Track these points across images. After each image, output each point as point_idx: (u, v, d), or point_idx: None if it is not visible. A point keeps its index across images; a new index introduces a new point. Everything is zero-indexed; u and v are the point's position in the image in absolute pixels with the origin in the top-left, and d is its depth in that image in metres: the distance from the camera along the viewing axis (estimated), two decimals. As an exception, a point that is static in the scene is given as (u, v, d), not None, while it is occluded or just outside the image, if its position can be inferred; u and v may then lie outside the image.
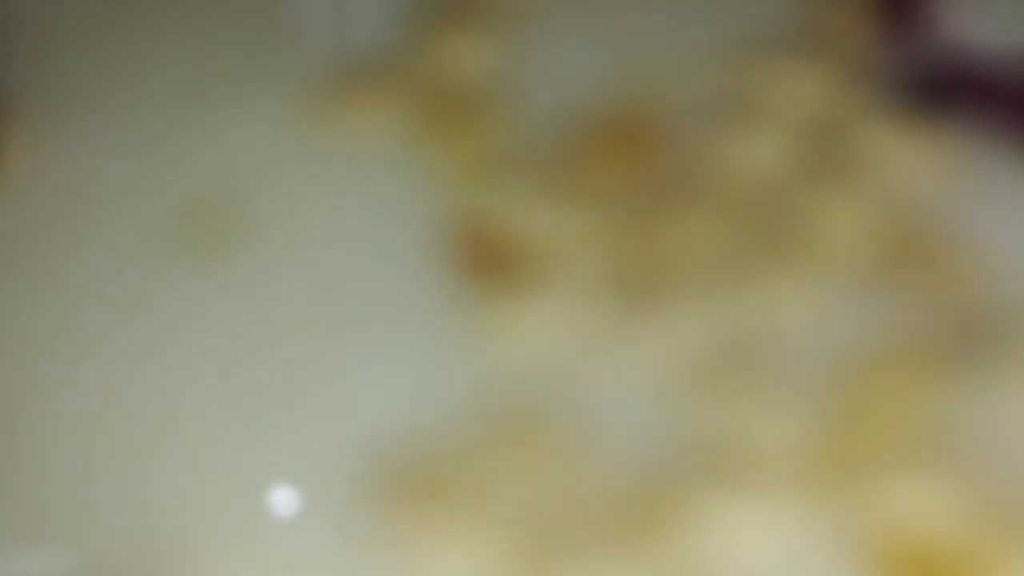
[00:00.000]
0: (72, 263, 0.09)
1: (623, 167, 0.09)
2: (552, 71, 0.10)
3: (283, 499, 0.08)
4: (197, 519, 0.08)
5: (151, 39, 0.10)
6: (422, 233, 0.09)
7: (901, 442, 0.08)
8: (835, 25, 0.10)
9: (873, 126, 0.09)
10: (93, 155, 0.10)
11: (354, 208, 0.09)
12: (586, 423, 0.08)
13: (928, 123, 0.09)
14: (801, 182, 0.09)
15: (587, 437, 0.08)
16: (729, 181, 0.09)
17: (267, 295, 0.09)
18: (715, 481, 0.07)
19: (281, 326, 0.09)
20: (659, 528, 0.07)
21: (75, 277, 0.09)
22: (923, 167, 0.09)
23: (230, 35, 0.11)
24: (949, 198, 0.09)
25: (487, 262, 0.09)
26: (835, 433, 0.08)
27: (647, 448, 0.07)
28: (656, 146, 0.09)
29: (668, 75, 0.10)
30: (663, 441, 0.08)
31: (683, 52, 0.10)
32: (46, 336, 0.09)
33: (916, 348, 0.08)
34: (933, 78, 0.10)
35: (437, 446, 0.08)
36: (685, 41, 0.10)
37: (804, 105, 0.09)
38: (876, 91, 0.10)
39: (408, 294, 0.09)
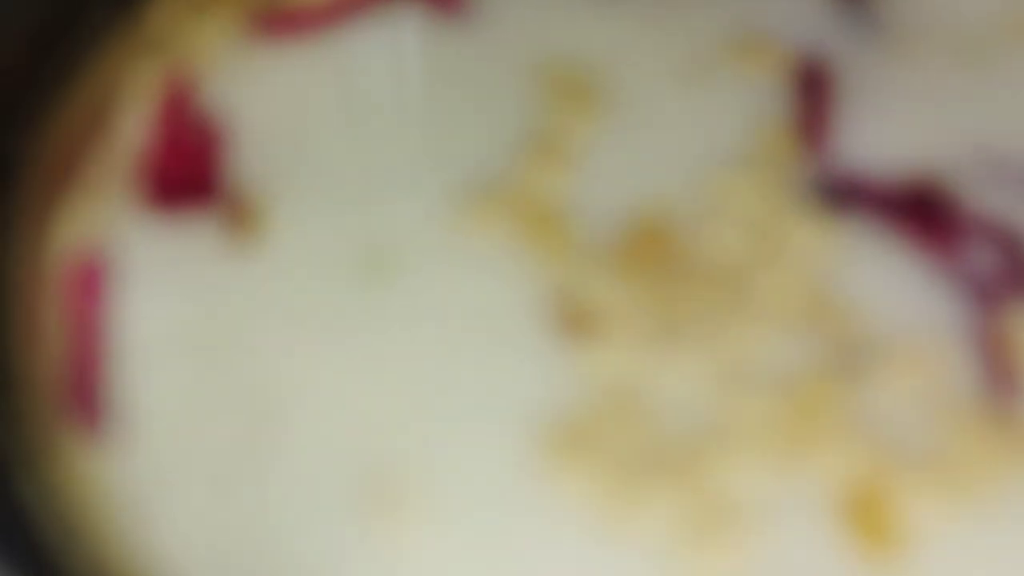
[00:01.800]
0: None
1: (651, 255, 0.15)
2: (602, 191, 0.16)
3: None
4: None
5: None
6: (530, 305, 0.15)
7: (832, 424, 0.14)
8: (771, 146, 0.16)
9: (797, 219, 0.15)
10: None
11: (484, 288, 0.15)
12: (643, 409, 0.14)
13: (834, 217, 0.15)
14: (753, 260, 0.15)
15: (648, 415, 0.14)
16: (711, 260, 0.15)
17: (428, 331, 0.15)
18: (719, 447, 0.14)
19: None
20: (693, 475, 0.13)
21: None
22: (831, 248, 0.15)
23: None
24: (842, 267, 0.15)
25: (573, 323, 0.15)
26: (790, 418, 0.14)
27: (683, 424, 0.13)
28: (667, 240, 0.15)
29: (670, 191, 0.16)
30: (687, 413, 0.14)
31: (676, 174, 0.16)
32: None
33: (827, 365, 0.14)
34: (835, 186, 0.16)
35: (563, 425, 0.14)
36: (675, 166, 0.16)
37: (751, 205, 0.16)
38: (799, 194, 0.16)
39: (522, 340, 0.15)
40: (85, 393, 0.13)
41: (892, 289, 0.15)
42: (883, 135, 0.16)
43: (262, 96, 0.16)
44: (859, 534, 0.13)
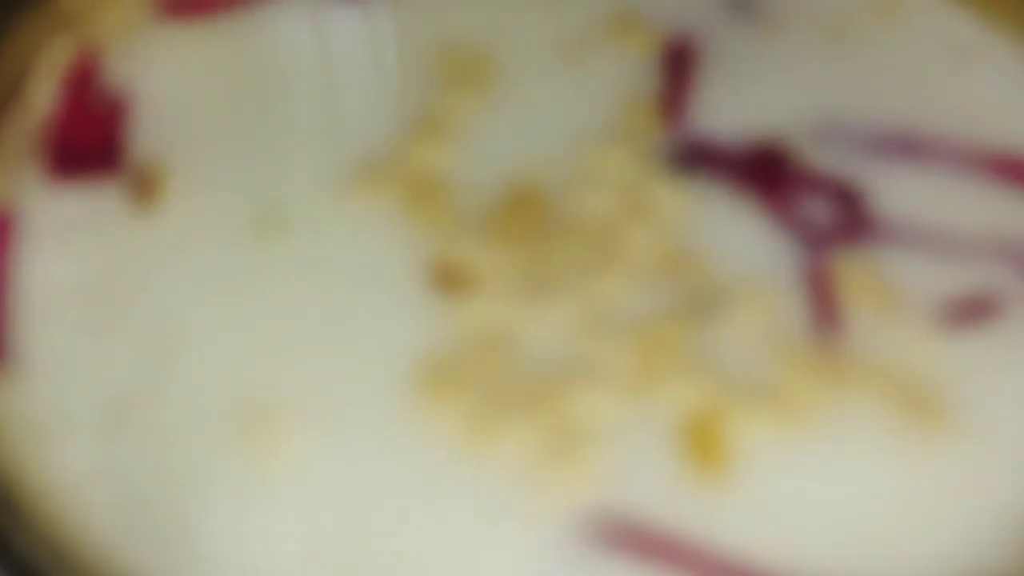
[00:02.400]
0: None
1: (524, 218, 0.17)
2: (482, 162, 0.17)
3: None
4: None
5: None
6: (408, 264, 0.16)
7: (679, 360, 0.15)
8: (637, 117, 0.18)
9: (657, 182, 0.17)
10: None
11: (367, 248, 0.16)
12: (509, 351, 0.15)
13: (689, 180, 0.17)
14: (615, 220, 0.17)
15: (513, 356, 0.15)
16: (580, 222, 0.17)
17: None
18: (577, 382, 0.15)
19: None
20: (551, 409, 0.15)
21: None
22: (685, 207, 0.17)
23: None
24: (695, 223, 0.16)
25: (448, 279, 0.16)
26: (643, 355, 0.15)
27: (545, 364, 0.15)
28: (540, 204, 0.17)
29: (544, 161, 0.17)
30: (551, 354, 0.15)
31: (551, 145, 0.17)
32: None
33: (679, 309, 0.15)
34: (690, 152, 0.17)
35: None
36: (551, 137, 0.17)
37: (616, 171, 0.17)
38: (659, 160, 0.17)
39: (399, 293, 0.16)
40: None
41: (737, 240, 0.16)
42: (737, 106, 0.18)
43: (166, 71, 0.18)
44: (696, 456, 0.14)
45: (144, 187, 0.16)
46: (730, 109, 0.18)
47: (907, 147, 0.17)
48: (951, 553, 0.14)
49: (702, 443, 0.14)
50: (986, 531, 0.14)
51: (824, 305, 0.16)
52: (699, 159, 0.17)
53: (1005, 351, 0.15)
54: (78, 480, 0.14)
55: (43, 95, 0.17)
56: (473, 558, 0.14)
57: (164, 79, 0.18)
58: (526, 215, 0.17)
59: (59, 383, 0.15)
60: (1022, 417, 0.15)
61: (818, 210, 0.17)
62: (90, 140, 0.17)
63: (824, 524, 0.14)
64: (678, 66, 0.18)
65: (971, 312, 0.15)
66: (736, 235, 0.16)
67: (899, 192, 0.17)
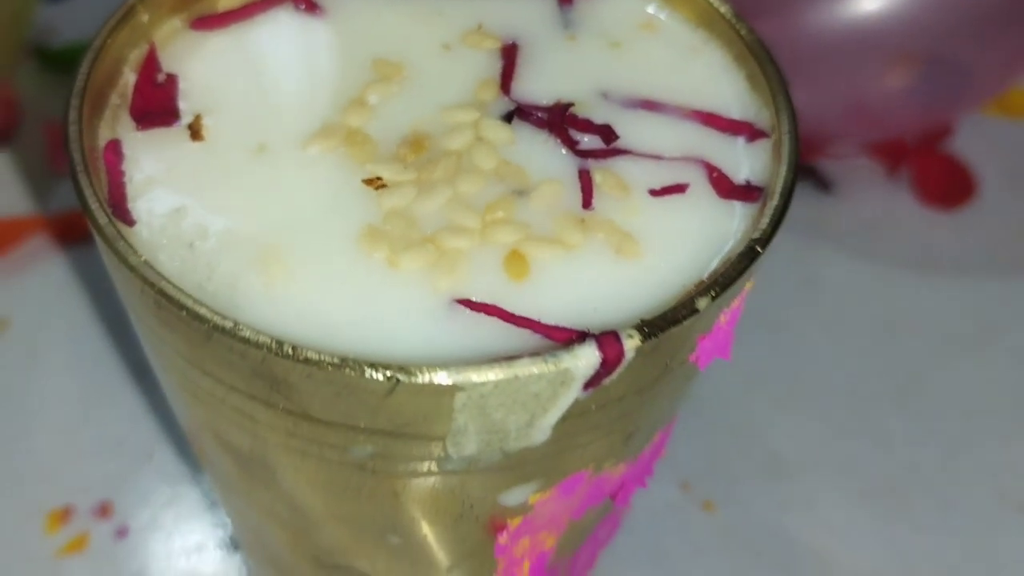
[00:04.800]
0: None
1: (417, 151, 0.28)
2: (392, 121, 0.29)
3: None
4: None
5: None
6: (349, 178, 0.28)
7: (507, 221, 0.27)
8: (485, 90, 0.30)
9: (496, 127, 0.29)
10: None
11: (320, 170, 0.28)
12: (412, 222, 0.27)
13: (515, 126, 0.29)
14: (473, 149, 0.28)
15: (413, 223, 0.27)
16: (450, 152, 0.29)
17: None
18: (448, 232, 0.27)
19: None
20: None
21: None
22: (512, 140, 0.29)
23: None
24: (517, 149, 0.28)
25: (374, 184, 0.28)
26: (488, 219, 0.27)
27: (432, 225, 0.27)
28: (427, 142, 0.29)
29: (430, 118, 0.29)
30: (434, 221, 0.27)
31: (434, 108, 0.29)
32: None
33: (508, 194, 0.27)
34: (516, 111, 0.29)
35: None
36: (434, 104, 0.29)
37: (474, 122, 0.29)
38: (498, 114, 0.29)
39: (347, 193, 0.28)
40: (119, 208, 0.26)
41: (541, 157, 0.28)
42: (545, 84, 0.30)
43: (197, 61, 0.29)
44: (512, 269, 0.26)
45: (192, 127, 0.28)
46: (541, 85, 0.30)
47: (648, 105, 0.29)
48: (616, 312, 0.25)
49: (515, 262, 0.26)
50: (642, 303, 0.26)
51: (586, 191, 0.27)
52: (521, 114, 0.29)
53: (681, 211, 0.27)
54: (173, 273, 0.25)
55: (129, 76, 0.29)
56: (397, 317, 0.25)
57: (196, 66, 0.29)
58: (418, 148, 0.28)
59: (156, 228, 0.26)
60: (682, 248, 0.27)
61: (589, 141, 0.29)
62: (156, 102, 0.28)
63: (576, 301, 0.26)
64: (509, 60, 0.30)
65: (668, 191, 0.27)
66: (540, 154, 0.28)
67: (639, 131, 0.29)
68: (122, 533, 0.45)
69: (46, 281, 0.53)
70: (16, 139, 0.57)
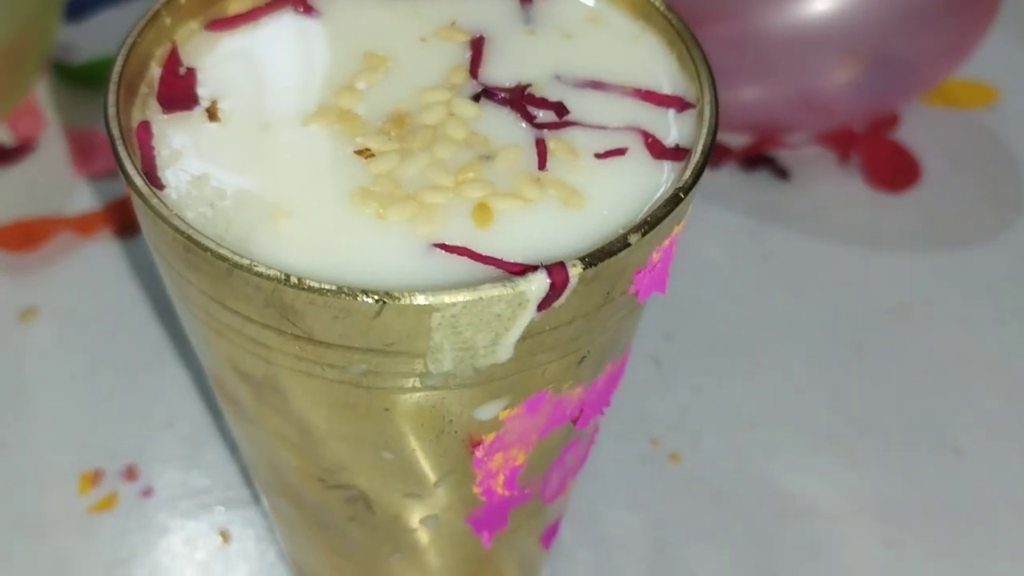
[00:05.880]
0: None
1: (400, 125, 0.34)
2: (378, 102, 0.34)
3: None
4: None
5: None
6: (342, 149, 0.33)
7: (477, 179, 0.32)
8: (456, 76, 0.35)
9: (466, 105, 0.34)
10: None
11: (319, 144, 0.34)
12: (397, 180, 0.32)
13: (482, 104, 0.34)
14: (446, 123, 0.34)
15: (400, 182, 0.32)
16: (427, 126, 0.34)
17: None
18: (427, 189, 0.32)
19: None
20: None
21: None
22: (479, 116, 0.34)
23: None
24: (483, 123, 0.34)
25: (364, 154, 0.33)
26: (460, 179, 0.32)
27: (415, 183, 0.32)
28: (408, 119, 0.34)
29: (410, 99, 0.34)
30: (414, 182, 0.32)
31: (414, 91, 0.35)
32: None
33: (476, 159, 0.33)
34: (484, 91, 0.35)
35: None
36: (414, 87, 0.35)
37: (447, 102, 0.34)
38: (468, 95, 0.34)
39: (342, 160, 0.33)
40: (150, 175, 0.31)
41: (504, 128, 0.33)
42: (508, 70, 0.35)
43: (214, 58, 0.35)
44: (479, 220, 0.31)
45: (209, 111, 0.33)
46: (504, 71, 0.35)
47: (595, 85, 0.35)
48: (565, 252, 0.31)
49: (481, 213, 0.31)
50: (587, 245, 0.31)
51: (541, 156, 0.33)
52: (487, 94, 0.34)
53: (621, 171, 0.33)
54: (199, 225, 0.30)
55: (155, 69, 0.34)
56: (385, 259, 0.30)
57: (211, 60, 0.35)
58: (400, 124, 0.34)
59: (183, 193, 0.31)
60: (621, 201, 0.32)
61: (544, 115, 0.34)
62: (178, 91, 0.34)
63: (533, 245, 0.31)
64: (477, 50, 0.36)
65: (611, 154, 0.33)
66: (503, 127, 0.34)
67: (587, 106, 0.34)
68: (147, 493, 0.50)
69: (71, 274, 0.58)
70: (40, 147, 0.63)
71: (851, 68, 0.62)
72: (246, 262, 0.27)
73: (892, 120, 0.66)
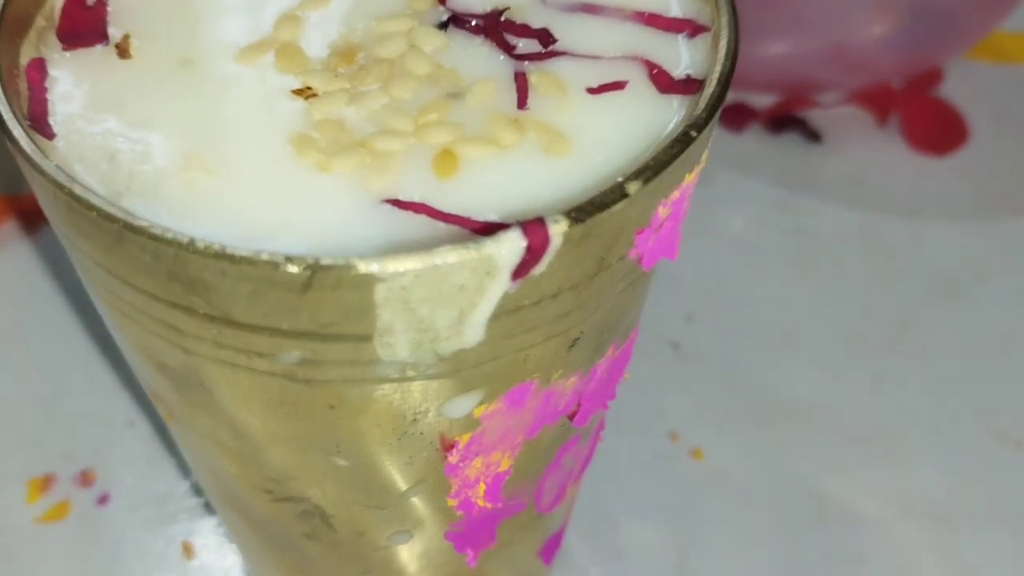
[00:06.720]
0: None
1: (348, 60, 0.28)
2: (319, 33, 0.28)
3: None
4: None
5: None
6: (281, 85, 0.27)
7: (443, 121, 0.26)
8: (421, 4, 0.29)
9: (432, 35, 0.28)
10: None
11: (256, 79, 0.27)
12: (340, 126, 0.26)
13: (450, 33, 0.28)
14: (404, 55, 0.28)
15: (344, 129, 0.26)
16: (382, 60, 0.28)
17: None
18: (379, 136, 0.26)
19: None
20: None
21: None
22: (446, 46, 0.28)
23: None
24: (452, 54, 0.28)
25: (305, 93, 0.27)
26: (424, 122, 0.26)
27: (362, 130, 0.26)
28: (359, 51, 0.28)
29: (364, 29, 0.28)
30: (364, 126, 0.26)
31: (369, 19, 0.28)
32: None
33: (441, 98, 0.27)
34: (452, 18, 0.28)
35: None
36: (370, 16, 0.29)
37: (410, 30, 0.28)
38: (433, 23, 0.28)
39: (278, 101, 0.27)
40: (38, 122, 0.25)
41: (476, 61, 0.27)
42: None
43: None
44: (439, 169, 0.25)
45: (119, 46, 0.27)
46: (477, -6, 0.29)
47: (588, 9, 0.29)
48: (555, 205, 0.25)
49: (443, 160, 0.25)
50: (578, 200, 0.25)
51: (521, 92, 0.27)
52: (455, 21, 0.28)
53: (619, 107, 0.27)
54: (92, 181, 0.25)
55: (57, 0, 0.28)
56: (326, 220, 0.24)
57: None
58: (349, 59, 0.28)
59: (76, 143, 0.25)
60: (618, 144, 0.26)
61: (524, 44, 0.28)
62: (85, 24, 0.28)
63: (509, 200, 0.25)
64: (447, -28, 0.29)
65: (606, 88, 0.27)
66: (475, 59, 0.28)
67: (578, 34, 0.28)
68: (103, 500, 0.44)
69: (19, 262, 0.52)
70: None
71: (889, 18, 0.55)
72: (140, 223, 0.22)
73: (935, 76, 0.60)
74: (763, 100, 0.59)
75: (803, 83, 0.58)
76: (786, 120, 0.59)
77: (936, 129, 0.59)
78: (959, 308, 0.51)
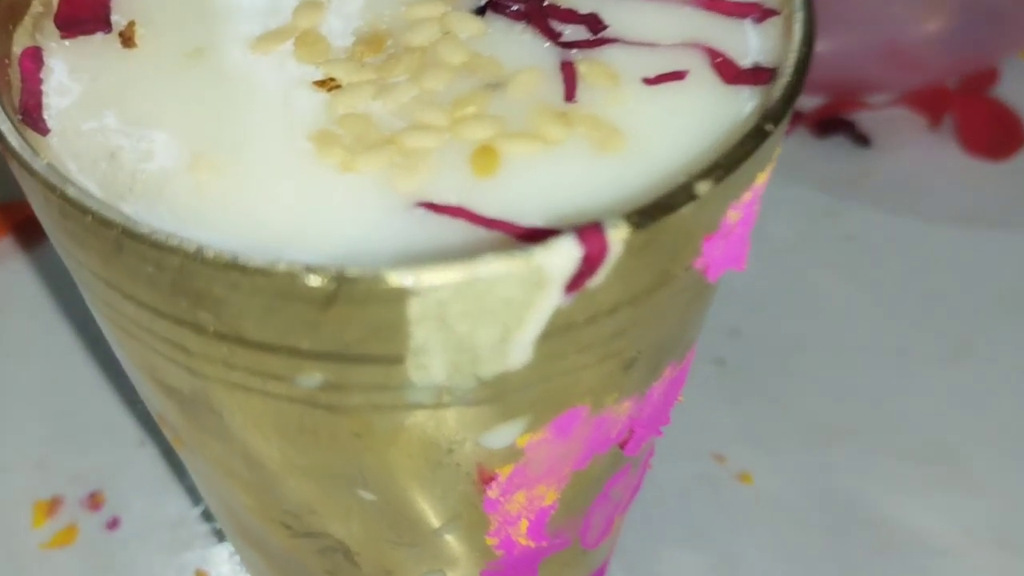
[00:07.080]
0: None
1: (374, 49, 0.25)
2: (346, 22, 0.25)
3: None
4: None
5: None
6: (303, 77, 0.24)
7: (482, 115, 0.24)
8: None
9: (466, 20, 0.25)
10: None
11: (277, 70, 0.25)
12: (367, 121, 0.23)
13: (486, 19, 0.25)
14: (438, 43, 0.25)
15: (371, 123, 0.23)
16: (412, 48, 0.25)
17: None
18: (410, 133, 0.23)
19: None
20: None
21: None
22: (482, 34, 0.25)
23: None
24: (489, 42, 0.25)
25: (327, 85, 0.24)
26: (461, 115, 0.24)
27: (391, 126, 0.23)
28: (385, 39, 0.25)
29: (389, 15, 0.26)
30: (393, 122, 0.23)
31: (396, 5, 0.26)
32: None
33: (480, 89, 0.24)
34: (488, 2, 0.26)
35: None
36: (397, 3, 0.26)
37: (441, 16, 0.25)
38: (467, 9, 0.25)
39: (299, 93, 0.24)
40: (31, 116, 0.23)
41: (516, 49, 0.25)
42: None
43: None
44: (478, 167, 0.22)
45: (123, 34, 0.25)
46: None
47: (639, -6, 0.26)
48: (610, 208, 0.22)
49: (483, 158, 0.23)
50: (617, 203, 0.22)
51: (569, 83, 0.24)
52: (494, 6, 0.25)
53: (680, 100, 0.24)
54: (89, 182, 0.22)
55: None
56: (351, 226, 0.22)
57: None
58: (376, 48, 0.25)
59: (73, 140, 0.23)
60: (680, 140, 0.23)
61: (571, 31, 0.25)
62: (86, 9, 0.25)
63: (559, 203, 0.22)
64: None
65: (665, 79, 0.24)
66: (516, 47, 0.25)
67: (631, 19, 0.25)
68: (113, 525, 0.42)
69: (21, 277, 0.50)
70: None
71: (942, 15, 0.52)
72: (141, 229, 0.19)
73: (990, 76, 0.57)
74: (809, 101, 0.57)
75: (851, 83, 0.56)
76: (833, 122, 0.56)
77: (992, 131, 0.56)
78: (1021, 321, 0.48)
